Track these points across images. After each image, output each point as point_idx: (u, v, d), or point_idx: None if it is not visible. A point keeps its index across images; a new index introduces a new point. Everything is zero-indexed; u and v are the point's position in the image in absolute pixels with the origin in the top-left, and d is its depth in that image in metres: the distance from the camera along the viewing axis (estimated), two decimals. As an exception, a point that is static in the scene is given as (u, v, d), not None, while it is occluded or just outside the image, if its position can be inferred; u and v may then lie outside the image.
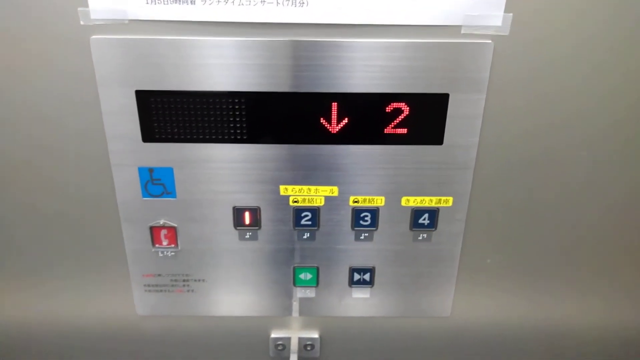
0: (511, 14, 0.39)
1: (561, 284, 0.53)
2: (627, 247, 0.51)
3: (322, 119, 0.43)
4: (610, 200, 0.48)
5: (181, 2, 0.39)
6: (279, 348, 0.56)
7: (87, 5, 0.39)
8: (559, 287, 0.53)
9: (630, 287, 0.54)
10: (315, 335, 0.56)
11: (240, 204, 0.47)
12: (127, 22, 0.40)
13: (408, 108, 0.43)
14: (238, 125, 0.43)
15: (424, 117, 0.43)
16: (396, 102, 0.42)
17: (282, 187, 0.46)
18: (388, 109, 0.43)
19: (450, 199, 0.47)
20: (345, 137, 0.44)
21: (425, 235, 0.49)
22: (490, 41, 0.40)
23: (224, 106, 0.42)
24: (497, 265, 0.52)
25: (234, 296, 0.52)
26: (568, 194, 0.48)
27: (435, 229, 0.49)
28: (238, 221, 0.48)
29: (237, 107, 0.42)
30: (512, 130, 0.44)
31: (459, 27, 0.40)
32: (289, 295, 0.52)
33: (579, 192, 0.48)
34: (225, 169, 0.45)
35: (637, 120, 0.44)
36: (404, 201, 0.47)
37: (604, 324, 0.56)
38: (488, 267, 0.52)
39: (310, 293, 0.52)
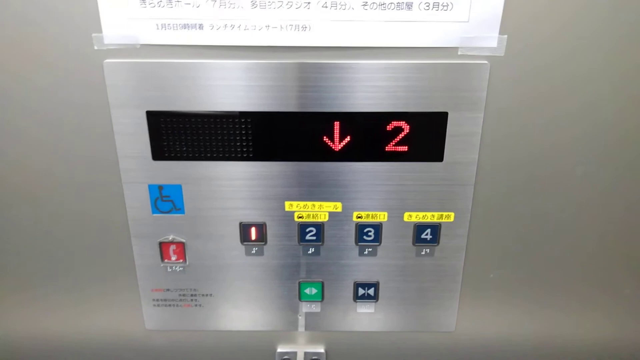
0: (506, 36, 0.40)
1: (565, 298, 0.54)
2: (633, 260, 0.51)
3: (325, 137, 0.45)
4: (612, 213, 0.49)
5: (190, 28, 0.41)
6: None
7: (100, 31, 0.41)
8: (563, 301, 0.54)
9: (638, 302, 0.54)
10: (321, 350, 0.56)
11: (246, 219, 0.48)
12: (138, 46, 0.42)
13: (408, 126, 0.44)
14: (244, 143, 0.45)
15: (424, 135, 0.44)
16: (397, 120, 0.44)
17: (287, 203, 0.48)
18: (389, 127, 0.44)
19: (452, 214, 0.48)
20: (348, 155, 0.45)
21: (428, 250, 0.50)
22: (486, 62, 0.41)
23: (231, 125, 0.44)
24: (500, 280, 0.52)
25: (241, 311, 0.53)
26: (569, 208, 0.49)
27: (438, 244, 0.49)
28: (244, 237, 0.49)
29: (243, 126, 0.44)
30: (510, 147, 0.45)
31: (456, 48, 0.41)
32: (295, 310, 0.53)
33: (580, 205, 0.48)
34: (231, 186, 0.47)
35: (639, 125, 0.45)
36: (406, 217, 0.48)
37: (609, 339, 0.56)
38: (491, 281, 0.52)
39: (315, 308, 0.53)
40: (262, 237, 0.49)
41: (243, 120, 0.44)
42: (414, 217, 0.48)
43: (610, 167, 0.47)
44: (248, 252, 0.50)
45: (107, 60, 0.42)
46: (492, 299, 0.54)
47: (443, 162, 0.45)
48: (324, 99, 0.43)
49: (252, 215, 0.48)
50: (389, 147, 0.45)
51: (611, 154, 0.46)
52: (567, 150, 0.46)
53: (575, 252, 0.51)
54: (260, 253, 0.50)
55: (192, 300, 0.53)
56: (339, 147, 0.45)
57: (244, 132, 0.44)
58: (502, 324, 0.55)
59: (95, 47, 0.41)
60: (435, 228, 0.49)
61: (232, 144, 0.45)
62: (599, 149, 0.46)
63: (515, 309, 0.54)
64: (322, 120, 0.44)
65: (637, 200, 0.48)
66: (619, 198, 0.48)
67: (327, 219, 0.48)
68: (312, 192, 0.47)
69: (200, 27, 0.41)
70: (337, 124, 0.44)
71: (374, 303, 0.53)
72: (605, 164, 0.46)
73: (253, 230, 0.49)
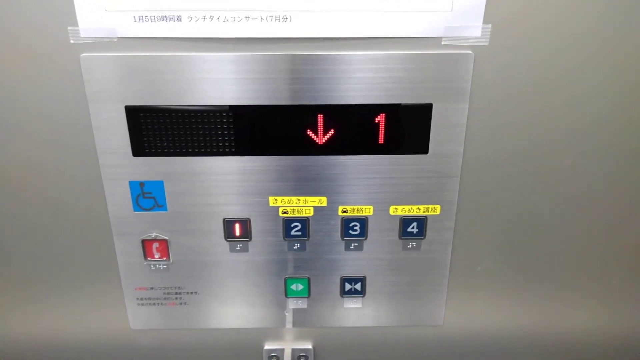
0: (490, 25, 0.40)
1: (554, 289, 0.53)
2: (621, 249, 0.51)
3: (308, 130, 0.44)
4: (602, 203, 0.49)
5: (168, 20, 0.40)
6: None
7: (77, 24, 0.40)
8: (553, 293, 0.53)
9: (627, 290, 0.54)
10: (309, 346, 0.56)
11: (230, 215, 0.47)
12: (116, 39, 0.41)
13: (393, 118, 0.43)
14: (226, 138, 0.44)
15: (408, 127, 0.44)
16: (381, 112, 0.43)
17: (271, 198, 0.47)
18: (373, 120, 0.44)
19: (438, 207, 0.48)
20: (332, 148, 0.45)
21: (414, 243, 0.49)
22: (470, 52, 0.41)
23: (212, 120, 0.43)
24: (488, 273, 0.52)
25: (227, 308, 0.52)
26: (557, 200, 0.48)
27: (424, 237, 0.49)
28: (228, 233, 0.48)
29: (225, 120, 0.43)
30: (497, 138, 0.45)
31: (439, 38, 0.41)
32: (282, 307, 0.53)
33: (569, 198, 0.48)
34: (214, 182, 0.46)
35: (626, 120, 0.45)
36: (392, 210, 0.48)
37: (600, 329, 0.56)
38: (479, 274, 0.52)
39: (302, 304, 0.52)
40: (246, 234, 0.48)
41: (224, 114, 0.43)
42: (399, 210, 0.48)
43: (600, 160, 0.46)
44: (232, 249, 0.49)
45: (84, 55, 0.41)
46: (480, 291, 0.53)
47: (428, 154, 0.45)
48: (306, 92, 0.42)
49: (236, 211, 0.47)
50: (374, 140, 0.44)
51: (601, 147, 0.46)
52: (556, 143, 0.45)
53: (564, 244, 0.51)
54: (245, 249, 0.49)
55: (177, 298, 0.52)
56: (323, 141, 0.44)
57: (225, 126, 0.43)
58: (491, 317, 0.55)
59: (72, 41, 0.40)
60: (422, 221, 0.48)
61: (214, 138, 0.44)
62: (589, 143, 0.45)
63: (504, 302, 0.54)
64: (305, 114, 0.43)
65: (627, 192, 0.48)
66: (609, 190, 0.48)
67: (312, 213, 0.48)
68: (297, 186, 0.46)
69: (179, 18, 0.40)
70: (320, 117, 0.43)
71: (361, 298, 0.52)
72: (595, 156, 0.46)
73: (237, 226, 0.48)
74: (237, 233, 0.48)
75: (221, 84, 0.42)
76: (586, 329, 0.56)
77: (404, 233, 0.49)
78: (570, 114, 0.44)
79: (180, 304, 0.52)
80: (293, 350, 0.55)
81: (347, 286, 0.51)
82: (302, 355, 0.56)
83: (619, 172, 0.47)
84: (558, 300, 0.54)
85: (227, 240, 0.49)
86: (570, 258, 0.51)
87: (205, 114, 0.43)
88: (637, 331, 0.56)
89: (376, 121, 0.44)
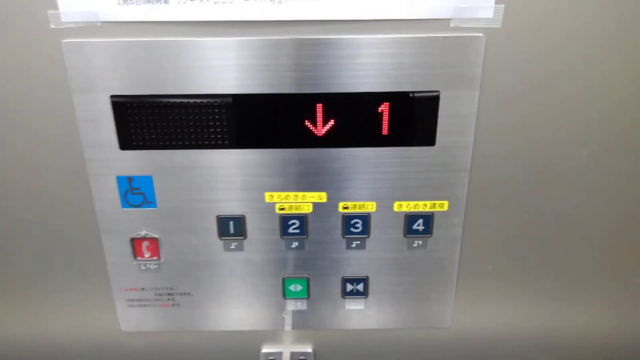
0: (503, 5, 0.37)
1: (567, 289, 0.50)
2: (637, 247, 0.48)
3: (306, 121, 0.41)
4: (619, 198, 0.45)
5: (154, 2, 0.37)
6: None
7: (57, 8, 0.37)
8: (565, 293, 0.51)
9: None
10: (309, 349, 0.53)
11: (224, 212, 0.45)
12: (99, 24, 0.38)
13: (397, 108, 0.40)
14: (218, 130, 0.41)
15: (414, 117, 0.41)
16: (384, 101, 0.40)
17: (267, 194, 0.44)
18: (376, 109, 0.40)
19: (446, 202, 0.45)
20: (332, 140, 0.42)
21: (420, 242, 0.46)
22: (481, 34, 0.38)
23: (204, 110, 0.40)
24: (498, 272, 0.49)
25: (222, 310, 0.50)
26: (572, 196, 0.45)
27: (431, 235, 0.46)
28: (223, 231, 0.45)
29: (217, 110, 0.40)
30: (508, 129, 0.42)
31: (448, 20, 0.38)
32: (280, 308, 0.50)
33: (582, 190, 0.45)
34: (207, 177, 0.43)
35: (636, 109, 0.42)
36: (396, 206, 0.45)
37: (613, 331, 0.53)
38: (489, 274, 0.49)
39: (301, 305, 0.50)
40: (241, 231, 0.45)
41: (217, 103, 0.40)
42: (404, 206, 0.45)
43: (618, 154, 0.43)
44: (227, 248, 0.46)
45: (66, 40, 0.38)
46: (490, 292, 0.50)
47: (435, 146, 0.42)
48: (304, 79, 0.39)
49: (230, 208, 0.44)
50: (377, 131, 0.41)
51: (620, 140, 0.43)
52: (572, 135, 0.42)
53: (579, 242, 0.48)
54: (240, 248, 0.46)
55: (169, 299, 0.49)
56: (322, 132, 0.41)
57: (217, 117, 0.40)
58: (501, 318, 0.52)
59: (52, 26, 0.38)
60: (428, 218, 0.45)
61: (205, 130, 0.41)
62: (607, 135, 0.42)
63: (515, 302, 0.51)
64: (303, 103, 0.40)
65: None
66: (627, 185, 0.45)
67: (311, 210, 0.45)
68: (295, 181, 0.43)
69: (166, 1, 0.37)
70: (319, 107, 0.40)
71: (363, 299, 0.49)
72: (613, 150, 0.43)
73: (231, 224, 0.45)
74: (232, 231, 0.45)
75: (212, 72, 0.39)
76: (604, 331, 0.53)
77: (409, 231, 0.46)
78: (588, 103, 0.41)
79: (173, 305, 0.49)
80: (292, 353, 0.53)
81: (349, 287, 0.49)
82: (302, 359, 0.53)
83: (638, 167, 0.44)
84: (573, 299, 0.51)
85: (221, 239, 0.46)
86: (588, 255, 0.48)
87: (196, 104, 0.40)
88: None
89: (379, 111, 0.41)
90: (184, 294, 0.49)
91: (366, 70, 0.39)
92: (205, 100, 0.40)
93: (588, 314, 0.52)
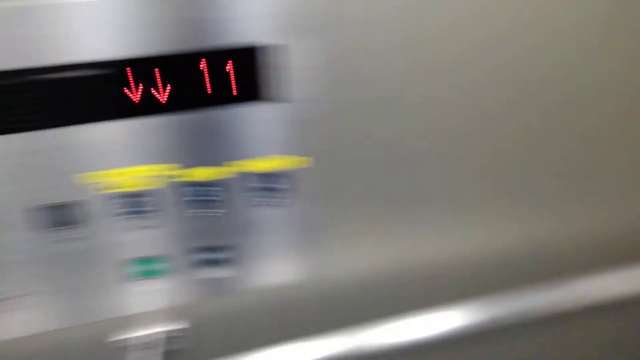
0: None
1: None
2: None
3: (125, 89, 0.36)
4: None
5: None
6: (132, 349, 0.49)
7: None
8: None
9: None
10: (179, 327, 0.50)
11: (41, 201, 0.39)
12: None
13: (229, 63, 0.37)
14: (22, 109, 0.35)
15: (250, 72, 0.38)
16: (210, 58, 0.37)
17: (90, 174, 0.39)
18: (200, 67, 0.37)
19: (297, 159, 0.43)
20: (151, 106, 0.37)
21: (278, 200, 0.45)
22: None
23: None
24: (369, 216, 0.49)
25: (65, 305, 0.45)
26: (425, 128, 0.46)
27: (291, 192, 0.44)
28: (46, 221, 0.40)
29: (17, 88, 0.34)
30: (357, 75, 0.41)
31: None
32: (125, 292, 0.46)
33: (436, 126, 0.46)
34: (13, 165, 0.37)
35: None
36: (243, 167, 0.42)
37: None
38: (355, 220, 0.49)
39: (155, 285, 0.46)
40: (67, 220, 0.40)
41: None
42: (257, 167, 0.42)
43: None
44: (55, 239, 0.41)
45: None
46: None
47: (286, 101, 0.39)
48: (107, 43, 0.34)
49: (48, 196, 0.39)
50: (202, 91, 0.38)
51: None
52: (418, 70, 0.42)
53: (440, 176, 0.49)
54: (69, 237, 0.41)
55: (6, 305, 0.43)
56: (138, 99, 0.37)
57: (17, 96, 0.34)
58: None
59: None
60: (283, 176, 0.43)
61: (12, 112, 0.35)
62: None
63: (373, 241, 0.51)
64: (114, 69, 0.35)
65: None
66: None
67: (145, 187, 0.41)
68: (119, 156, 0.39)
69: None
70: (129, 71, 0.36)
71: (223, 267, 0.47)
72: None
73: (53, 213, 0.40)
74: (57, 220, 0.40)
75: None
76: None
77: (261, 190, 0.44)
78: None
79: (6, 311, 0.43)
80: (154, 333, 0.49)
81: (205, 256, 0.46)
82: (174, 337, 0.50)
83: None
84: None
85: (45, 230, 0.40)
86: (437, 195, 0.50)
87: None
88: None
89: (203, 68, 0.37)
90: (18, 296, 0.43)
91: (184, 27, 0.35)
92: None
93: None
